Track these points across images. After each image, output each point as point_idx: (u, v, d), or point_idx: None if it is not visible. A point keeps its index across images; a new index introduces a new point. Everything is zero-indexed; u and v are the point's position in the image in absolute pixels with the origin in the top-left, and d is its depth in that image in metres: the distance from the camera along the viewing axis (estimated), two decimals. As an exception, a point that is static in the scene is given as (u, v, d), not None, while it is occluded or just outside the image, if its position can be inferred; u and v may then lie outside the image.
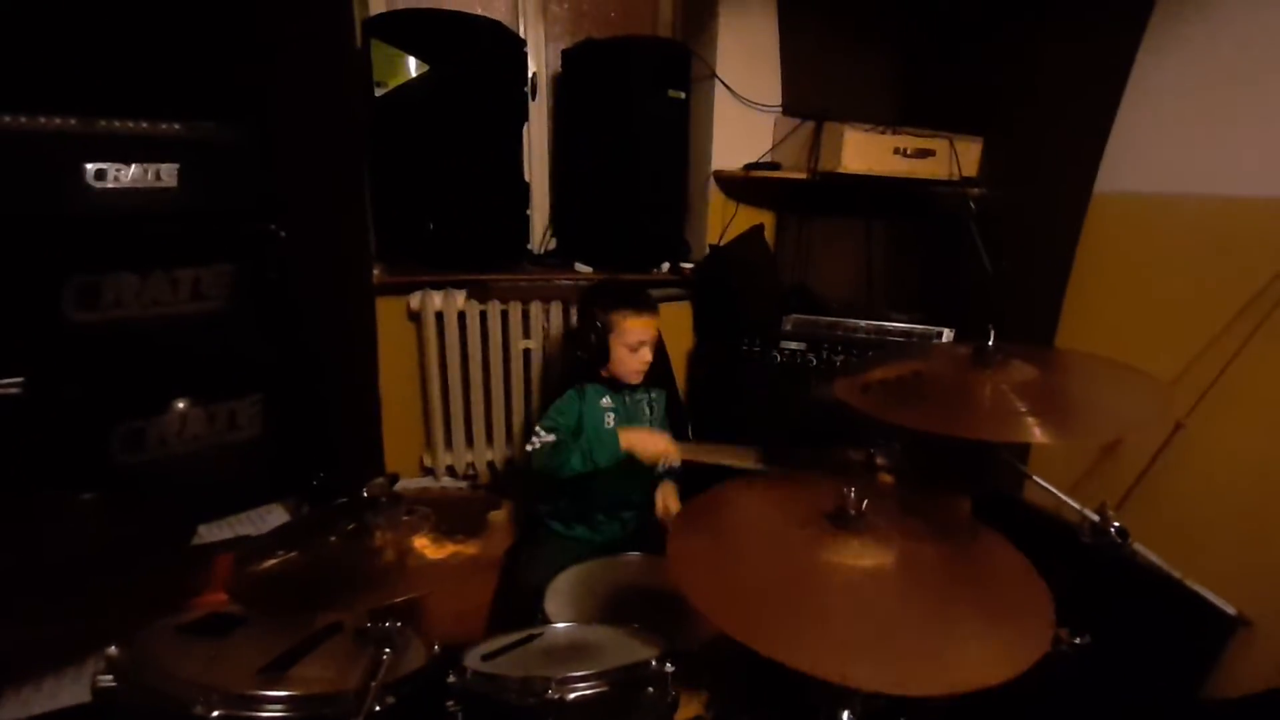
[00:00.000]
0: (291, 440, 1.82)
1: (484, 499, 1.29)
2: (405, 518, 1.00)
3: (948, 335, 1.95)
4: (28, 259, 1.40)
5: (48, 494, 1.14)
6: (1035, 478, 1.06)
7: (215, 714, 0.80)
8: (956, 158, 2.04)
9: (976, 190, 2.03)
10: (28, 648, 1.00)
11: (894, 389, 1.04)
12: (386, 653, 0.86)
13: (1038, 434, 0.91)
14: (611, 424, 1.65)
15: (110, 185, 1.48)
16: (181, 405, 1.62)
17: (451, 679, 0.97)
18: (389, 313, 2.10)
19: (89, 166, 1.46)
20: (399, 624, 0.88)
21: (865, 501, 0.88)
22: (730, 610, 0.79)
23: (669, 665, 0.99)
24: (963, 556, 0.90)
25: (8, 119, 1.36)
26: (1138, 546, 1.13)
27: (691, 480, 1.76)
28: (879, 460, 1.25)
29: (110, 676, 0.84)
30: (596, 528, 1.66)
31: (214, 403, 1.66)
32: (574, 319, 2.20)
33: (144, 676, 0.84)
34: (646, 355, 1.62)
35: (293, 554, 0.96)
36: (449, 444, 2.23)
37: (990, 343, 1.02)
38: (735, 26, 2.24)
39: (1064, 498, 0.98)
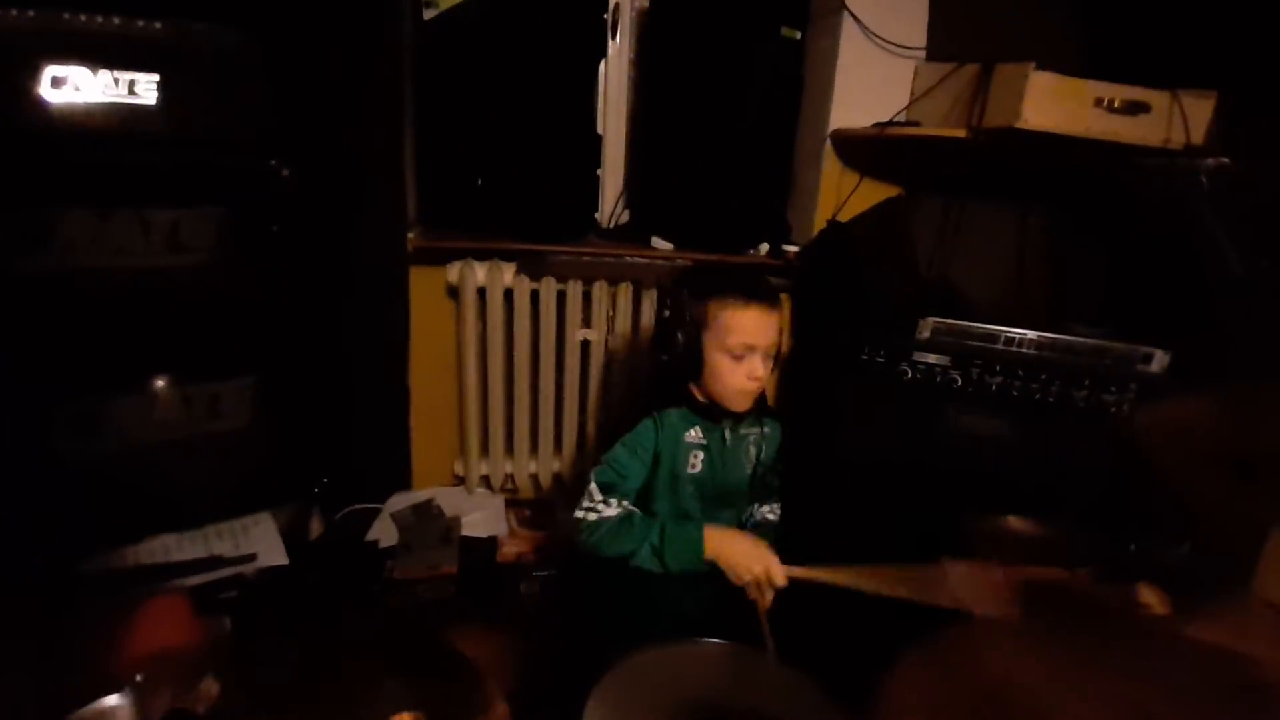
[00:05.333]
0: (291, 435, 1.48)
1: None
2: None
3: (1160, 359, 1.41)
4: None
5: None
6: None
7: None
8: (1184, 117, 1.48)
9: (1212, 161, 1.48)
10: None
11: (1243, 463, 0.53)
12: None
13: None
14: (699, 469, 1.18)
15: (70, 99, 1.15)
16: (150, 385, 1.29)
17: None
18: (423, 286, 1.73)
19: (46, 71, 1.13)
20: None
21: None
22: None
23: None
24: None
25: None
26: None
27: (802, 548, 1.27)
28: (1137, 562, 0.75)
29: None
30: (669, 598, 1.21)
31: (191, 383, 1.32)
32: (653, 308, 1.78)
33: None
34: (757, 368, 1.13)
35: None
36: (485, 449, 1.84)
37: None
38: (876, -55, 1.75)
39: None
